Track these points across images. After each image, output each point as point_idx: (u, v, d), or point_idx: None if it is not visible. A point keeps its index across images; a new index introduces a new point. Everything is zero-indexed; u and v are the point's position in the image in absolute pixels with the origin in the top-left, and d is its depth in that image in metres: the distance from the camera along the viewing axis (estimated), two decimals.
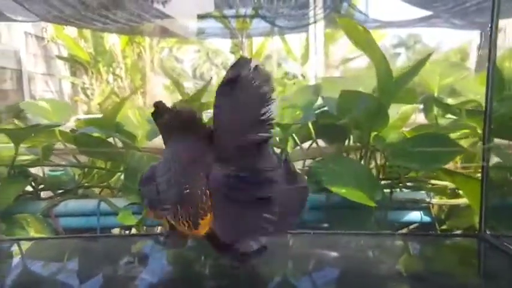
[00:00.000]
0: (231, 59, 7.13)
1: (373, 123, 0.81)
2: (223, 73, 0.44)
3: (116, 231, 0.96)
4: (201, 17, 4.05)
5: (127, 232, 0.96)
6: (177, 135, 0.49)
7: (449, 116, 0.95)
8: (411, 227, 0.90)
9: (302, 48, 6.15)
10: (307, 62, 5.89)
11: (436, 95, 0.92)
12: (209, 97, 0.89)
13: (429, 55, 0.75)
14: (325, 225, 0.89)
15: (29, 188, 0.95)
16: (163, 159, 0.50)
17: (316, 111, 0.91)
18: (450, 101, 0.94)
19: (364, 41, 0.75)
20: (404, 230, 0.88)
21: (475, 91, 0.81)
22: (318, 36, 4.83)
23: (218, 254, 0.47)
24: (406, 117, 0.87)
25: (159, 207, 0.48)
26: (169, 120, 0.49)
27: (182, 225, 0.46)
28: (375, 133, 0.84)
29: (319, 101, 0.95)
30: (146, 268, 0.55)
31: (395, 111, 0.89)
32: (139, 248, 0.68)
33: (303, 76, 5.48)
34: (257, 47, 6.45)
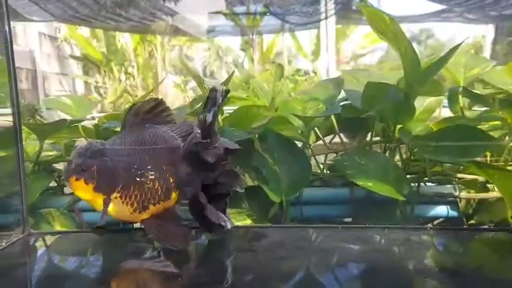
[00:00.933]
0: (242, 57, 7.13)
1: (399, 115, 0.79)
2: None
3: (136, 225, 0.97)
4: (212, 14, 4.05)
5: None
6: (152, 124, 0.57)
7: (475, 108, 0.93)
8: (437, 221, 0.88)
9: (313, 45, 6.11)
10: (318, 58, 5.86)
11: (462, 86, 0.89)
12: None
13: (458, 45, 0.73)
14: (349, 219, 0.88)
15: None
16: (125, 141, 0.55)
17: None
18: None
19: (390, 32, 0.73)
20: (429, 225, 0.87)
21: (505, 81, 0.79)
22: (329, 32, 4.79)
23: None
24: (432, 109, 0.85)
25: (107, 183, 0.52)
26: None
27: (128, 205, 0.53)
28: (400, 126, 0.83)
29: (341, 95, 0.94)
30: (171, 262, 0.55)
31: (419, 103, 0.88)
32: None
33: (315, 72, 5.44)
34: (268, 44, 6.43)
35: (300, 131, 0.86)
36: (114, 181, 0.52)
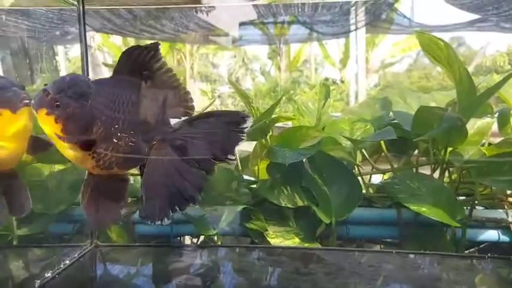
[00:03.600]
0: (269, 64, 7.18)
1: (451, 139, 0.79)
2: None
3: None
4: (243, 25, 4.11)
5: (195, 240, 1.00)
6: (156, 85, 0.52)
7: None
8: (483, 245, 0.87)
9: (341, 54, 6.09)
10: (345, 67, 5.83)
11: None
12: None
13: None
14: (397, 241, 0.87)
15: None
16: (114, 90, 0.49)
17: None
18: None
19: (444, 58, 0.74)
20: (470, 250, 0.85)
21: None
22: (358, 41, 4.76)
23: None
24: (484, 132, 0.84)
25: (78, 131, 0.47)
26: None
27: (93, 160, 0.48)
28: (451, 149, 0.82)
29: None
30: (232, 281, 0.57)
31: (470, 126, 0.87)
32: (218, 259, 0.71)
33: (342, 81, 5.42)
34: (295, 53, 6.46)
35: (348, 152, 0.87)
36: (87, 131, 0.47)
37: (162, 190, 0.51)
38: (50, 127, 0.46)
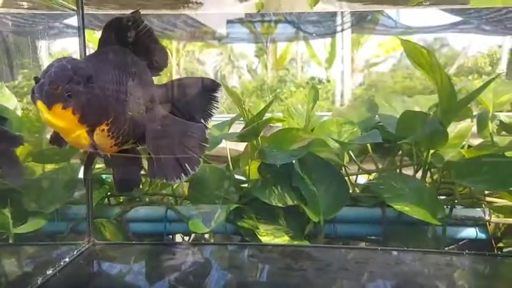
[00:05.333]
0: (256, 62, 7.19)
1: (433, 142, 0.83)
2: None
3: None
4: (230, 23, 4.12)
5: (186, 238, 1.02)
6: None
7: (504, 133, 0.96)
8: (462, 242, 0.92)
9: (327, 53, 6.14)
10: (331, 66, 5.89)
11: (491, 112, 0.93)
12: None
13: (493, 78, 0.77)
14: (381, 238, 0.92)
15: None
16: (108, 64, 0.48)
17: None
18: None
19: (427, 64, 0.78)
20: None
21: None
22: (344, 40, 4.83)
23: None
24: (464, 135, 0.89)
25: (97, 115, 0.44)
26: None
27: (112, 139, 0.48)
28: (432, 151, 0.87)
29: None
30: (225, 276, 0.60)
31: (451, 129, 0.91)
32: (210, 256, 0.73)
33: (329, 81, 5.49)
34: (281, 51, 6.49)
35: (336, 153, 0.91)
36: (105, 113, 0.45)
37: (168, 148, 0.53)
38: (66, 121, 0.42)
